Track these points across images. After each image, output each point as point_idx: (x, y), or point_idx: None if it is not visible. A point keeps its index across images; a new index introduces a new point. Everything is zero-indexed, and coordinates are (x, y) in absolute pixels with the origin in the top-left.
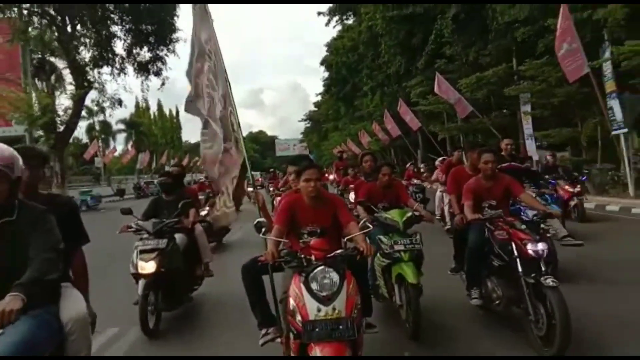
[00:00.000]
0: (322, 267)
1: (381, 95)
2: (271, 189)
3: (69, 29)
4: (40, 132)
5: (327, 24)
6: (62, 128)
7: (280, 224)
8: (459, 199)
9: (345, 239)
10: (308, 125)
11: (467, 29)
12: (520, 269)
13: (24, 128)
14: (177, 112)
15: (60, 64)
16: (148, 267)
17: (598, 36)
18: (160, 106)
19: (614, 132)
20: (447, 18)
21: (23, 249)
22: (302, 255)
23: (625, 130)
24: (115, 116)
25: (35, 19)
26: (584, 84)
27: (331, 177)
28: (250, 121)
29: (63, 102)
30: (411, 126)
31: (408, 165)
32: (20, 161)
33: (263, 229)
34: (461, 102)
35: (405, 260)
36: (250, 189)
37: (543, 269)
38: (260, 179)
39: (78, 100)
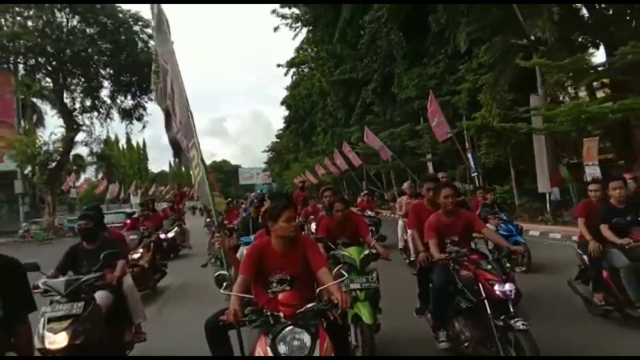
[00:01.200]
0: (290, 327)
1: (332, 135)
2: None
3: (61, 80)
4: (29, 167)
5: (285, 74)
6: (53, 165)
7: (246, 273)
8: (422, 235)
9: (317, 290)
10: (271, 155)
11: (383, 98)
12: (489, 311)
13: (15, 164)
14: (144, 144)
15: (44, 105)
16: (58, 339)
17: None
18: (129, 139)
19: (472, 174)
20: (369, 90)
21: None
22: (269, 313)
23: (476, 173)
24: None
25: (33, 72)
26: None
27: None
28: (213, 150)
29: (46, 139)
30: (354, 163)
31: (362, 195)
32: None
33: (225, 284)
34: (384, 149)
35: (361, 299)
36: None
37: (511, 310)
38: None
39: (68, 141)
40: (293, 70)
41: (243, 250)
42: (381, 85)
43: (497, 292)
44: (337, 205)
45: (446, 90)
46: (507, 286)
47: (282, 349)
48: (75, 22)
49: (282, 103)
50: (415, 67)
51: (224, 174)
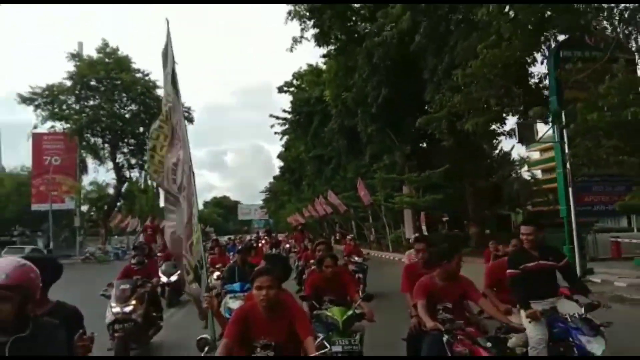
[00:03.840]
0: None
1: (314, 188)
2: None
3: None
4: (84, 208)
5: (280, 139)
6: (106, 207)
7: (230, 337)
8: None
9: None
10: (268, 195)
11: (339, 173)
12: None
13: (74, 204)
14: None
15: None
16: None
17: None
18: (146, 179)
19: (386, 226)
20: (329, 168)
21: None
22: None
23: (387, 226)
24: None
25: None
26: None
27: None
28: (212, 183)
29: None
30: (327, 212)
31: (349, 239)
32: (34, 274)
33: (206, 348)
34: (341, 205)
35: None
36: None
37: None
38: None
39: (118, 190)
40: (286, 137)
41: (227, 300)
42: (336, 166)
43: None
44: (327, 261)
45: (369, 176)
46: None
47: None
48: (127, 104)
49: (278, 157)
50: (354, 160)
51: (224, 209)
